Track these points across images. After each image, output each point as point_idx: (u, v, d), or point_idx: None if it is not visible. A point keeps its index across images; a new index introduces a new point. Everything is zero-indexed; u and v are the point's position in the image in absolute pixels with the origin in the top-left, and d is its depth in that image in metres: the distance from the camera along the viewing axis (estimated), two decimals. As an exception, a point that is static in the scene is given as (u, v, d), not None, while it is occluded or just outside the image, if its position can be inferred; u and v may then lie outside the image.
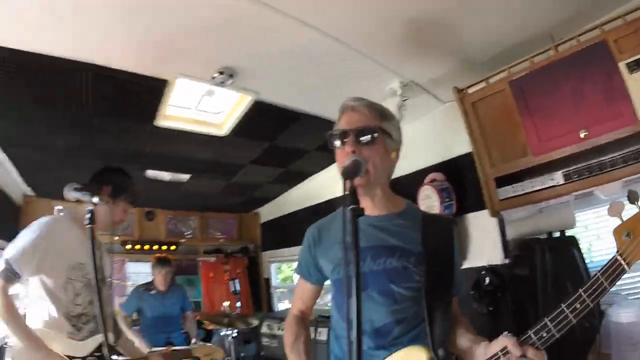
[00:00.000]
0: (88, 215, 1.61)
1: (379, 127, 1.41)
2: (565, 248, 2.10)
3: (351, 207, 1.02)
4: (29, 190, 4.84)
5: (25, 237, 2.02)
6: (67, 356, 1.98)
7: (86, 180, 2.16)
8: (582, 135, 2.02)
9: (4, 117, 2.81)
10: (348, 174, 1.08)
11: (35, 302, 2.06)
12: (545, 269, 2.01)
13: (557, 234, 2.32)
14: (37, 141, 3.23)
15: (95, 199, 1.66)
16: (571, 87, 2.05)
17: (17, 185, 4.56)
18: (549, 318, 1.13)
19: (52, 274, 2.05)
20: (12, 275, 1.93)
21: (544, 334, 1.14)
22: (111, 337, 2.30)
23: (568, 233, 2.34)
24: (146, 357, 2.52)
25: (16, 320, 1.92)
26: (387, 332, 1.41)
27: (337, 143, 1.42)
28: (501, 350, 1.20)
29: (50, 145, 3.31)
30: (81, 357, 2.06)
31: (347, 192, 1.08)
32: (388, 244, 1.45)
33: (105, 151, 3.43)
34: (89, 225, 1.61)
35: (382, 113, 1.47)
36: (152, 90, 2.51)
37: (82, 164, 3.65)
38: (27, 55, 2.10)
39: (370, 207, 1.48)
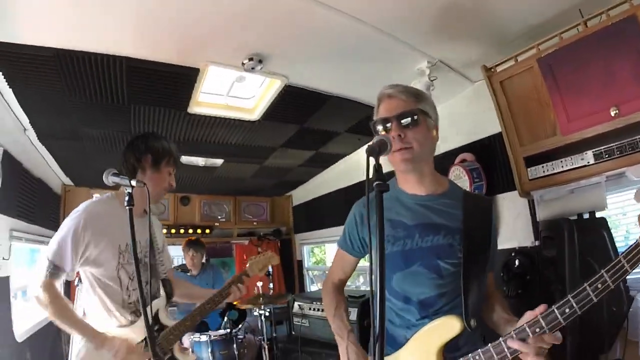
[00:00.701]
0: (127, 198, 1.60)
1: (418, 109, 1.49)
2: (595, 229, 2.06)
3: (376, 182, 1.04)
4: (68, 180, 5.11)
5: (64, 227, 1.93)
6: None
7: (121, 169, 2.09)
8: (612, 113, 1.96)
9: (42, 112, 2.98)
10: (373, 151, 1.10)
11: (89, 294, 2.01)
12: (574, 250, 1.98)
13: (587, 216, 2.28)
14: (74, 133, 3.41)
15: (134, 182, 1.64)
16: (601, 63, 1.99)
17: (56, 176, 4.81)
18: (572, 295, 1.17)
19: (100, 263, 1.96)
20: (55, 271, 1.88)
21: (567, 310, 1.18)
22: (163, 301, 2.20)
23: (600, 215, 2.29)
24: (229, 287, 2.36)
25: (65, 316, 1.87)
26: (431, 304, 1.52)
27: (380, 129, 1.50)
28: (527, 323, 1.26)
29: (87, 136, 3.50)
30: (143, 339, 1.99)
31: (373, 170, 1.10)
32: (435, 222, 1.55)
33: (140, 140, 3.54)
34: (129, 207, 1.59)
35: (418, 95, 1.55)
36: (184, 78, 2.60)
37: (119, 153, 3.81)
38: (62, 52, 2.22)
39: (419, 186, 1.59)
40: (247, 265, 2.58)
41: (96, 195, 2.18)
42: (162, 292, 2.22)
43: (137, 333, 1.99)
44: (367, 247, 1.70)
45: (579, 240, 1.98)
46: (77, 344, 1.93)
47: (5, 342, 2.83)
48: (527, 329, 1.25)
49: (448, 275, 1.51)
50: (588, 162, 2.15)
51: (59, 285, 1.92)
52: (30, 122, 3.15)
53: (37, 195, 3.87)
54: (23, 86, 2.58)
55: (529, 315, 1.27)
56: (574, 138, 2.16)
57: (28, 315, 3.50)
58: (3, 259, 3.01)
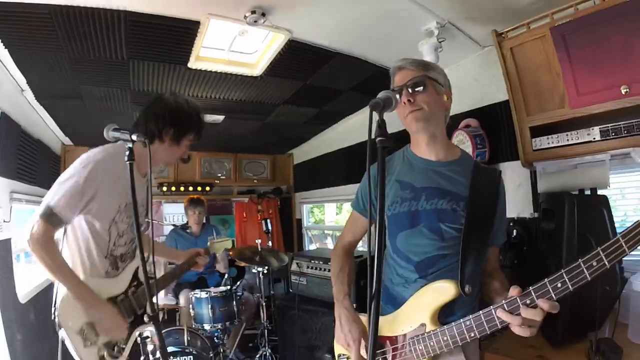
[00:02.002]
0: (127, 153, 1.58)
1: (424, 76, 1.61)
2: (596, 207, 2.05)
3: (379, 138, 1.05)
4: (67, 140, 5.13)
5: (73, 175, 1.87)
6: (107, 298, 1.97)
7: (122, 125, 1.83)
8: (623, 91, 1.95)
9: (39, 71, 2.95)
10: (377, 106, 1.10)
11: (75, 242, 1.98)
12: (573, 225, 1.98)
13: (589, 192, 2.28)
14: (73, 91, 3.38)
15: (135, 136, 1.61)
16: (617, 39, 1.95)
17: (55, 136, 4.84)
18: (565, 270, 1.18)
19: (99, 216, 1.95)
20: (57, 221, 1.83)
21: (559, 285, 1.21)
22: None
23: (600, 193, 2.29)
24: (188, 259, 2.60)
25: (63, 270, 1.85)
26: (430, 265, 1.62)
27: (397, 97, 1.51)
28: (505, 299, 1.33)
29: (86, 94, 3.47)
30: (122, 293, 2.06)
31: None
32: (441, 187, 1.65)
33: (140, 96, 3.55)
34: (129, 162, 1.57)
35: (426, 65, 1.66)
36: (185, 32, 2.55)
37: (118, 110, 3.85)
38: (58, 9, 2.17)
39: (430, 150, 1.70)
40: (209, 244, 2.97)
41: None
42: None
43: (110, 284, 2.04)
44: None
45: (578, 216, 1.97)
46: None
47: (9, 304, 2.89)
48: (517, 300, 1.29)
49: (449, 239, 1.60)
50: (594, 138, 2.15)
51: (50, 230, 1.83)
52: (27, 83, 3.13)
53: (37, 156, 3.88)
54: (19, 46, 2.54)
55: (517, 291, 1.31)
56: (582, 112, 2.15)
57: (31, 277, 3.58)
58: (4, 221, 3.04)
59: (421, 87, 1.59)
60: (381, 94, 1.15)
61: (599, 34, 2.01)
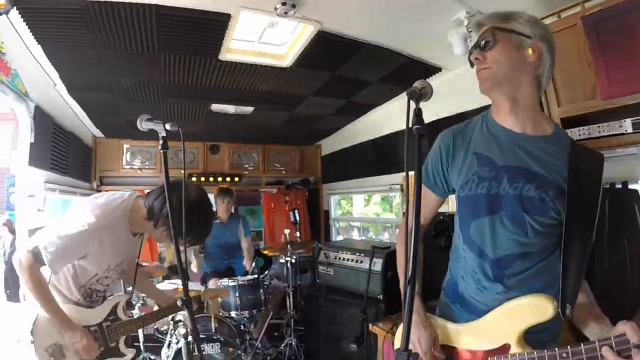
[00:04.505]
0: (161, 142, 1.59)
1: (493, 28, 1.42)
2: (627, 201, 2.04)
3: (416, 126, 1.03)
4: (98, 132, 5.35)
5: (73, 228, 1.93)
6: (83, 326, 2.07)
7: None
8: None
9: (71, 66, 3.11)
10: (413, 94, 1.08)
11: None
12: (604, 218, 1.95)
13: (619, 186, 2.26)
14: (104, 85, 3.54)
15: (168, 125, 1.60)
16: None
17: (86, 128, 5.06)
18: None
19: (88, 267, 2.08)
20: (40, 261, 1.89)
21: None
22: (125, 297, 2.38)
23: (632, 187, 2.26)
24: (171, 304, 2.59)
25: (44, 293, 1.93)
26: (508, 264, 1.40)
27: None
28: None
29: (117, 87, 3.62)
30: (96, 324, 2.17)
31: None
32: (529, 168, 1.40)
33: (171, 88, 3.68)
34: (163, 150, 1.59)
35: (506, 16, 1.44)
36: (216, 24, 2.63)
37: (149, 103, 4.01)
38: (89, 4, 2.28)
39: (512, 118, 1.46)
40: (202, 291, 3.17)
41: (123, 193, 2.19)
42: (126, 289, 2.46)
43: (83, 314, 2.13)
44: (451, 185, 1.59)
45: (609, 209, 1.95)
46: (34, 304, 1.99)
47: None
48: (630, 341, 1.08)
49: (534, 235, 1.37)
50: (626, 131, 2.11)
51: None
52: (60, 77, 3.29)
53: (69, 147, 4.12)
54: (51, 42, 2.68)
55: (629, 328, 1.10)
56: (614, 104, 2.12)
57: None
58: (38, 210, 3.18)
59: (488, 43, 1.40)
60: (418, 83, 1.11)
61: (631, 22, 1.98)
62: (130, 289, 2.51)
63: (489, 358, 1.37)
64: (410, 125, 1.05)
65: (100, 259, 2.08)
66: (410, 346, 1.28)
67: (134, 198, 2.17)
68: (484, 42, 1.42)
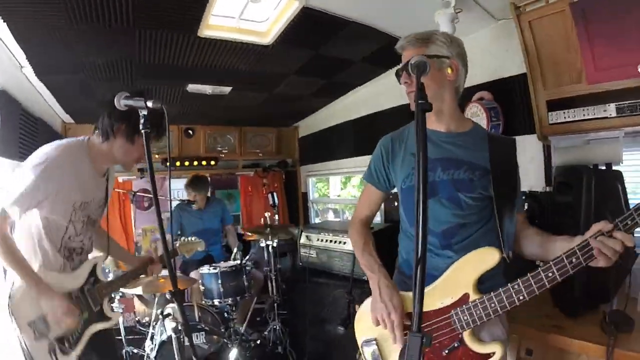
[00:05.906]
0: (142, 121, 1.56)
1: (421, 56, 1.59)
2: (611, 181, 2.15)
3: (420, 101, 1.07)
4: (68, 118, 5.14)
5: (26, 176, 1.90)
6: (63, 294, 2.02)
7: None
8: None
9: (39, 45, 2.91)
10: (421, 66, 1.16)
11: (27, 235, 2.02)
12: (590, 198, 2.06)
13: (603, 167, 2.35)
14: (75, 65, 3.35)
15: (150, 103, 1.56)
16: (636, 16, 1.98)
17: (56, 114, 4.88)
18: (634, 208, 1.29)
19: (53, 214, 2.02)
20: (4, 215, 1.91)
21: (629, 222, 1.30)
22: (102, 257, 2.39)
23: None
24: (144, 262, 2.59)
25: (14, 256, 1.91)
26: (452, 234, 1.70)
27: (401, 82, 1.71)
28: (593, 235, 1.34)
29: (89, 66, 3.43)
30: (78, 289, 2.12)
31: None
32: (457, 157, 1.71)
33: (145, 67, 3.53)
34: (144, 131, 1.55)
35: (426, 40, 1.68)
36: (196, -1, 2.51)
37: (122, 83, 3.83)
38: None
39: (437, 123, 1.76)
40: (177, 245, 3.19)
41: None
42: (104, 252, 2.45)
43: (65, 280, 2.09)
44: (392, 181, 1.91)
45: (595, 189, 2.06)
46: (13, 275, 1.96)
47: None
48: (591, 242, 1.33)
49: (468, 208, 1.69)
50: (610, 115, 2.23)
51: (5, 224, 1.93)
52: (27, 58, 3.09)
53: (38, 135, 3.90)
54: (18, 19, 2.49)
55: (594, 228, 1.35)
56: (599, 88, 2.22)
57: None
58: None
59: None
60: (416, 58, 1.18)
61: (619, 10, 2.05)
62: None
63: (452, 311, 1.58)
64: (416, 100, 1.09)
65: (63, 198, 2.00)
66: (381, 307, 1.63)
67: (88, 137, 2.18)
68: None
